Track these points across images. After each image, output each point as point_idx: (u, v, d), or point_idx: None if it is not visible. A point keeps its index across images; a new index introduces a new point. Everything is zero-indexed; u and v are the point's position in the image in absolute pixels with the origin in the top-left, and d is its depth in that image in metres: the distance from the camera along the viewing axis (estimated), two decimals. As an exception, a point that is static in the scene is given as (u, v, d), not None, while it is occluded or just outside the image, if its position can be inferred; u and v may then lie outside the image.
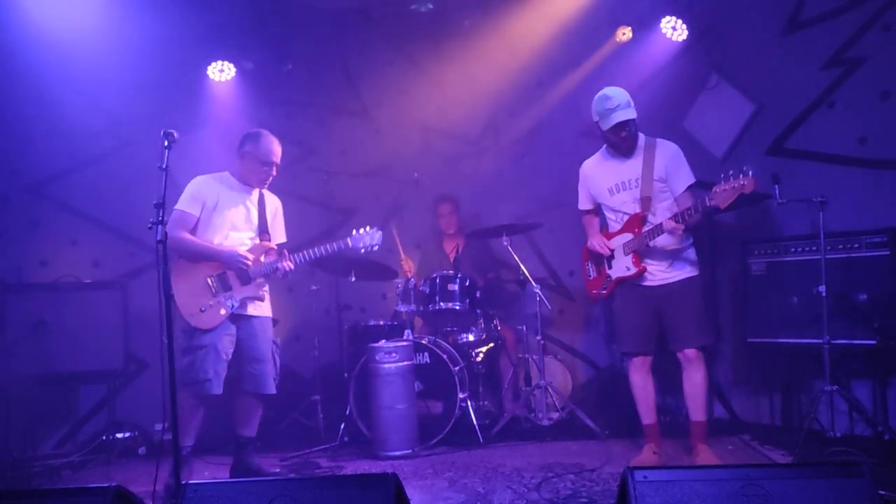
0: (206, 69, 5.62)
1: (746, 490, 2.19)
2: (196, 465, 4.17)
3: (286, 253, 4.08)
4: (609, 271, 4.09)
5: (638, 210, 3.93)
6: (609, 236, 4.10)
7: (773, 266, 4.44)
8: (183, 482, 2.41)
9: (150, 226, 3.14)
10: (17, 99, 5.16)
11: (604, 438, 4.66)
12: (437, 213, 5.77)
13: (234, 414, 4.08)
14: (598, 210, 4.25)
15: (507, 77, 5.89)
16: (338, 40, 5.97)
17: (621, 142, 3.88)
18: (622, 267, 4.00)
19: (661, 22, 5.34)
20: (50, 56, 5.02)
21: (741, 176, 3.45)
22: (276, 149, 4.11)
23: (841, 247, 4.10)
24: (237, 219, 4.04)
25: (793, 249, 4.35)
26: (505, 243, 5.05)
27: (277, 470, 4.28)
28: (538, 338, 5.09)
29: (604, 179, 4.06)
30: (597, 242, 4.11)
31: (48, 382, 4.98)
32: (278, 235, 4.25)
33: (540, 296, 5.01)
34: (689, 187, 3.87)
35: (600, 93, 3.87)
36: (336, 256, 4.24)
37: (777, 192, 4.00)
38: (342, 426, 4.82)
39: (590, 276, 4.27)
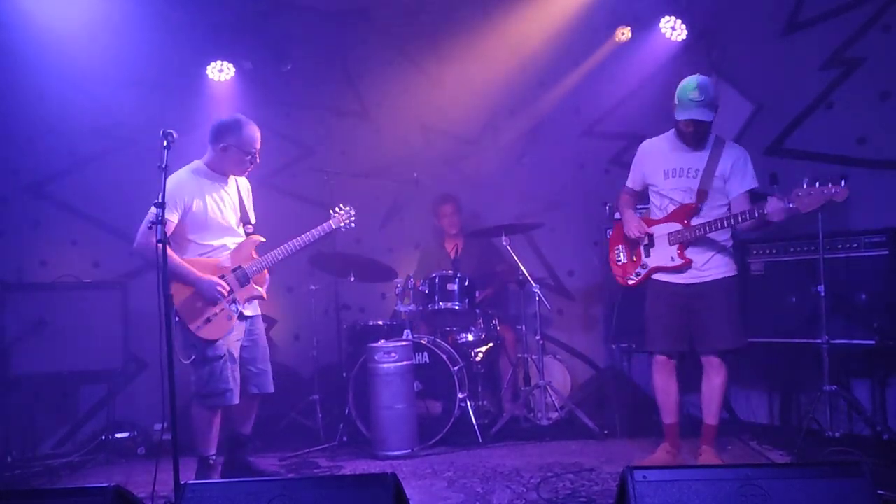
0: (206, 69, 5.62)
1: (745, 490, 2.19)
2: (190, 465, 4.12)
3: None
4: (646, 259, 3.93)
5: (691, 200, 3.79)
6: (650, 223, 3.93)
7: (773, 266, 4.45)
8: (182, 482, 2.41)
9: (149, 226, 3.14)
10: (16, 99, 5.16)
11: (603, 438, 4.66)
12: (440, 213, 5.76)
13: (233, 413, 3.99)
14: (639, 195, 4.12)
15: (507, 77, 5.89)
16: (337, 40, 5.97)
17: (689, 135, 3.76)
18: (664, 256, 3.84)
19: (660, 22, 5.35)
20: (49, 56, 5.02)
21: (831, 184, 3.38)
22: (258, 135, 3.91)
23: (840, 247, 4.11)
24: (226, 214, 3.87)
25: (792, 249, 4.36)
26: (504, 243, 5.05)
27: (274, 469, 4.27)
28: (537, 338, 5.09)
29: (663, 160, 3.89)
30: (635, 226, 3.93)
31: (48, 382, 4.99)
32: (251, 217, 4.06)
33: (539, 296, 5.01)
34: (749, 192, 3.77)
35: (692, 79, 3.71)
36: (323, 240, 4.15)
37: (776, 192, 4.01)
38: (341, 426, 4.82)
39: (619, 260, 4.09)
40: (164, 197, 3.19)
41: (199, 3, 5.31)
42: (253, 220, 4.07)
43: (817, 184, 3.43)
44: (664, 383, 3.94)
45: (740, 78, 5.12)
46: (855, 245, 4.08)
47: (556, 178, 5.97)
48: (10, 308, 4.88)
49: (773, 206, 3.52)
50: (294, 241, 3.97)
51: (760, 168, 4.68)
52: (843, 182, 3.40)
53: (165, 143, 3.26)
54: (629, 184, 4.11)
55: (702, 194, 3.78)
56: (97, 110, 5.39)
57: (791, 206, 3.48)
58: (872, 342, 3.96)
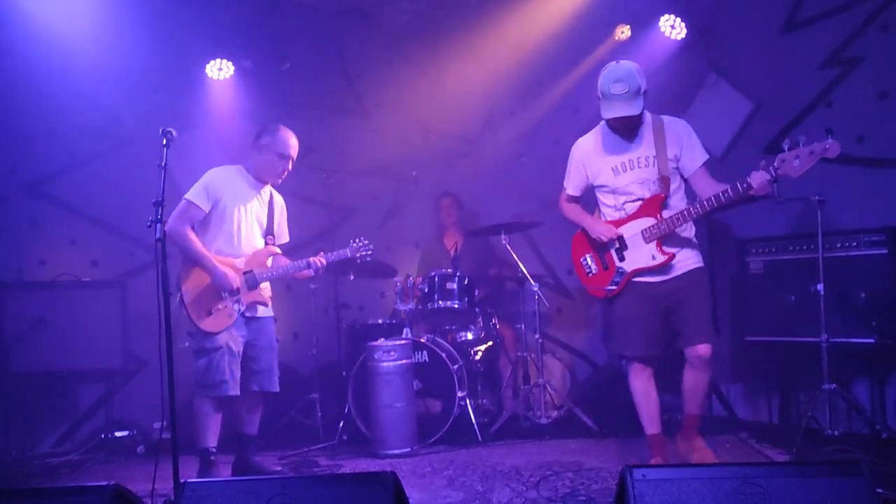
0: (205, 67, 5.61)
1: (744, 488, 2.19)
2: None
3: (321, 254, 4.12)
4: (620, 264, 3.61)
5: (657, 191, 3.51)
6: (616, 224, 3.62)
7: (772, 265, 4.44)
8: (182, 481, 2.41)
9: (148, 224, 3.14)
10: (15, 98, 5.15)
11: (602, 437, 4.66)
12: (439, 205, 5.80)
13: (237, 412, 4.06)
14: (579, 201, 3.86)
15: (506, 76, 5.89)
16: (337, 39, 5.97)
17: (621, 128, 3.53)
18: (643, 257, 3.54)
19: (659, 20, 5.34)
20: (48, 55, 5.01)
21: (817, 142, 3.12)
22: (293, 142, 4.07)
23: (839, 245, 4.10)
24: (250, 219, 4.02)
25: (791, 248, 4.35)
26: (503, 242, 5.05)
27: (279, 468, 4.28)
28: (537, 336, 5.09)
29: (606, 156, 3.60)
30: (604, 230, 3.61)
31: (47, 381, 4.99)
32: (282, 235, 4.24)
33: (538, 294, 5.01)
34: (705, 164, 3.52)
35: (609, 69, 3.46)
36: (337, 265, 4.43)
37: (775, 190, 4.00)
38: (341, 425, 4.82)
39: (589, 272, 3.76)
40: (162, 196, 3.20)
41: (198, 1, 5.30)
42: (284, 239, 4.24)
43: (801, 144, 3.17)
44: (644, 388, 3.66)
45: (739, 76, 5.12)
46: (854, 244, 4.08)
47: (556, 177, 5.95)
48: (8, 307, 4.89)
49: (759, 179, 3.23)
50: (308, 259, 4.06)
51: (759, 167, 4.70)
52: (829, 137, 3.14)
53: (165, 142, 3.27)
54: (570, 190, 3.82)
55: (665, 182, 3.50)
56: (96, 109, 5.38)
57: (778, 172, 3.20)
58: (872, 341, 3.96)
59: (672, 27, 5.34)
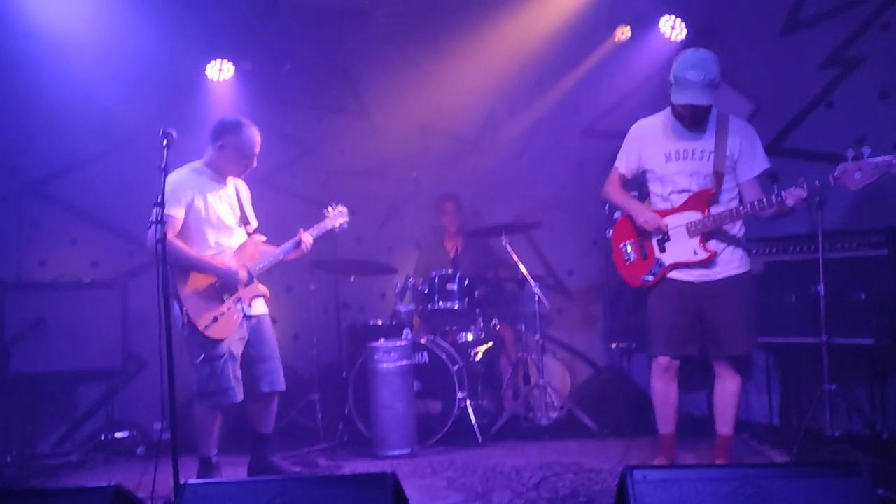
0: (205, 68, 5.61)
1: (745, 489, 2.19)
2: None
3: (301, 231, 4.01)
4: (660, 255, 3.50)
5: (708, 186, 3.41)
6: (661, 214, 3.51)
7: (772, 265, 4.44)
8: (182, 482, 2.41)
9: (149, 225, 3.14)
10: (15, 97, 5.16)
11: (603, 437, 4.66)
12: (442, 210, 5.76)
13: (251, 414, 4.00)
14: (629, 184, 3.74)
15: (507, 76, 5.89)
16: (337, 40, 5.97)
17: (687, 117, 3.42)
18: (685, 250, 3.43)
19: (660, 21, 5.35)
20: (49, 54, 5.02)
21: (888, 157, 3.07)
22: (257, 139, 3.91)
23: (839, 246, 4.10)
24: (226, 214, 3.88)
25: (791, 249, 4.35)
26: (504, 243, 5.05)
27: (297, 469, 4.22)
28: (537, 337, 5.09)
29: (663, 142, 3.50)
30: (650, 217, 3.49)
31: (47, 382, 4.99)
32: (251, 220, 4.10)
33: (539, 295, 5.01)
34: (762, 173, 3.46)
35: (689, 53, 3.35)
36: (321, 239, 4.19)
37: (776, 191, 4.00)
38: (341, 425, 4.82)
39: (628, 259, 3.64)
40: (163, 197, 3.19)
41: (198, 2, 5.30)
42: (254, 223, 4.09)
43: (866, 155, 3.10)
44: (664, 388, 3.60)
45: (740, 77, 5.12)
46: (854, 244, 4.07)
47: (556, 178, 5.97)
48: (9, 307, 4.88)
49: (795, 195, 3.22)
50: (295, 239, 3.99)
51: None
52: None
53: (165, 143, 3.26)
54: (622, 169, 3.68)
55: (719, 177, 3.40)
56: (97, 109, 5.37)
57: (837, 182, 3.15)
58: (872, 341, 3.96)
59: (672, 28, 5.34)
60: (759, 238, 4.57)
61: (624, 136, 3.72)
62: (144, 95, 5.35)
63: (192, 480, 2.39)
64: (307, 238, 3.99)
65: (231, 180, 3.98)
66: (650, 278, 3.54)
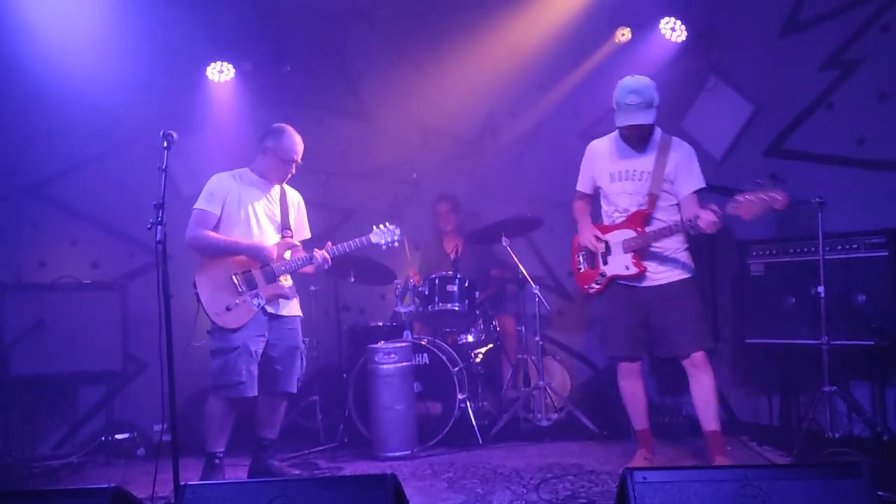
0: (206, 70, 5.61)
1: (745, 491, 2.19)
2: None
3: (328, 245, 4.04)
4: (603, 267, 3.84)
5: (643, 206, 3.71)
6: (604, 230, 3.85)
7: (772, 267, 4.44)
8: (182, 483, 2.41)
9: (149, 226, 3.14)
10: (16, 99, 5.16)
11: (602, 439, 4.66)
12: (436, 211, 5.78)
13: (258, 415, 4.01)
14: (592, 199, 4.04)
15: (506, 77, 5.89)
16: (337, 41, 5.97)
17: (632, 137, 3.71)
18: (619, 265, 3.77)
19: (660, 23, 5.35)
20: (49, 56, 5.02)
21: (770, 189, 3.28)
22: (298, 147, 4.04)
23: (840, 248, 4.10)
24: (260, 215, 3.97)
25: (791, 250, 4.36)
26: (504, 244, 5.05)
27: (297, 472, 4.23)
28: (537, 338, 5.09)
29: (609, 163, 3.81)
30: (588, 237, 3.87)
31: (47, 383, 4.99)
32: (302, 231, 4.19)
33: (538, 296, 5.01)
34: (696, 191, 3.70)
35: (626, 81, 3.63)
36: (358, 252, 4.23)
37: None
38: (341, 427, 4.82)
39: (580, 268, 4.02)
40: (163, 198, 3.20)
41: (198, 4, 5.31)
42: (304, 235, 4.18)
43: (760, 188, 3.31)
44: (630, 388, 3.89)
45: (740, 79, 5.13)
46: (854, 246, 4.08)
47: (556, 179, 5.96)
48: (9, 309, 4.88)
49: (706, 220, 3.44)
50: (305, 255, 4.00)
51: (760, 168, 4.71)
52: (780, 188, 3.29)
53: (165, 144, 3.27)
54: (579, 187, 4.03)
55: (653, 199, 3.69)
56: (97, 111, 5.38)
57: (730, 212, 3.37)
58: (872, 343, 3.96)
59: (672, 29, 5.34)
60: (760, 239, 4.58)
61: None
62: (145, 97, 5.36)
63: (193, 482, 2.39)
64: (318, 255, 3.99)
65: (280, 188, 4.09)
66: (595, 286, 3.90)
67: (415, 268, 5.66)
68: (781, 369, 4.64)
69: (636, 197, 3.73)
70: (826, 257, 3.94)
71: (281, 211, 4.06)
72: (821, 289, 3.88)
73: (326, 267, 4.03)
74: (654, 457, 3.87)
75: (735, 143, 5.14)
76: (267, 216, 4.00)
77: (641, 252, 3.72)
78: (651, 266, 3.72)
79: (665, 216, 3.72)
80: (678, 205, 3.74)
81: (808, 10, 4.74)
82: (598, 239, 3.83)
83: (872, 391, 4.26)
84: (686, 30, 5.33)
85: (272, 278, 3.89)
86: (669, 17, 5.33)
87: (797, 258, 4.31)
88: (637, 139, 3.71)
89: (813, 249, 4.09)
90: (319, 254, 3.98)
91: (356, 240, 4.11)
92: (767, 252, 4.48)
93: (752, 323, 4.54)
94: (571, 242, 4.10)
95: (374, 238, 4.16)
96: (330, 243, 4.05)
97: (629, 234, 3.75)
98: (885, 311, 3.95)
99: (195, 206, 3.88)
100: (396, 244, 4.24)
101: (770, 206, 3.30)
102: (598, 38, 5.66)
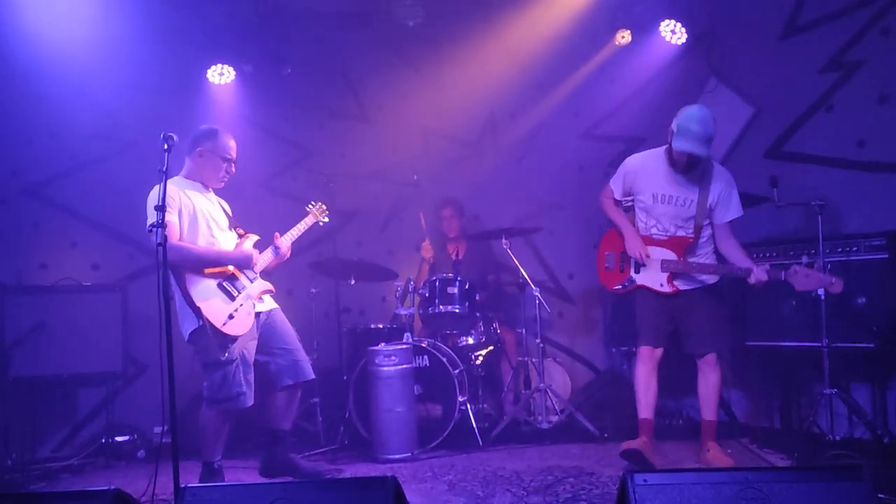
0: (206, 72, 5.63)
1: (746, 493, 2.19)
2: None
3: (277, 235, 4.01)
4: (634, 274, 4.04)
5: (689, 234, 3.91)
6: (648, 242, 4.00)
7: (772, 268, 4.43)
8: (182, 485, 2.41)
9: (149, 229, 3.14)
10: (16, 101, 5.17)
11: (603, 441, 4.66)
12: (440, 216, 5.77)
13: (270, 409, 3.94)
14: (619, 203, 4.18)
15: (507, 79, 5.90)
16: (337, 44, 5.98)
17: (681, 164, 3.83)
18: (653, 280, 3.96)
19: (660, 25, 5.35)
20: (50, 59, 5.03)
21: (832, 277, 3.61)
22: (233, 144, 3.92)
23: (840, 250, 4.10)
24: (217, 217, 3.86)
25: (792, 253, 4.35)
26: (504, 246, 5.05)
27: (323, 467, 4.16)
28: (537, 341, 5.09)
29: (654, 182, 3.95)
30: (638, 249, 3.97)
31: (47, 385, 4.99)
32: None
33: (539, 299, 5.01)
34: (733, 220, 3.92)
35: (693, 109, 3.76)
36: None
37: (776, 195, 4.02)
38: (341, 429, 4.82)
39: (608, 266, 4.17)
40: (163, 200, 3.20)
41: (199, 6, 5.31)
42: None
43: (816, 266, 3.69)
44: (646, 376, 4.02)
45: (740, 81, 5.13)
46: (855, 248, 4.07)
47: (556, 181, 5.98)
48: (9, 311, 4.88)
49: (757, 279, 3.69)
50: (271, 247, 3.97)
51: (760, 171, 4.71)
52: (837, 275, 3.65)
53: (166, 147, 3.26)
54: (615, 193, 4.13)
55: (697, 229, 3.90)
56: (98, 113, 5.39)
57: (787, 279, 3.65)
58: (872, 345, 3.96)
59: (672, 32, 5.35)
60: (760, 242, 4.58)
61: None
62: (145, 99, 5.37)
63: (193, 484, 2.39)
64: (282, 246, 3.97)
65: (212, 195, 3.94)
66: (619, 288, 4.10)
67: (432, 251, 5.63)
68: (782, 372, 4.64)
69: (678, 221, 3.93)
70: (826, 259, 3.94)
71: (224, 212, 3.97)
72: (821, 291, 3.87)
73: (285, 258, 4.04)
74: (653, 447, 4.00)
75: (735, 146, 5.15)
76: (223, 216, 3.92)
77: (675, 276, 3.94)
78: (680, 283, 3.97)
79: (706, 246, 3.97)
80: (711, 228, 3.95)
81: (808, 13, 4.74)
82: (646, 255, 3.96)
83: (873, 393, 4.26)
84: (686, 32, 5.34)
85: (253, 276, 3.86)
86: (670, 19, 5.33)
87: (798, 260, 4.30)
88: (685, 165, 3.83)
89: (813, 252, 4.09)
90: (284, 245, 3.98)
91: (302, 223, 4.12)
92: (768, 255, 4.47)
93: (753, 325, 4.54)
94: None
95: (310, 219, 4.19)
96: (278, 234, 4.01)
97: (670, 255, 3.93)
98: (886, 314, 3.94)
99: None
100: (326, 219, 4.29)
101: (825, 287, 3.65)
102: (598, 40, 5.67)
